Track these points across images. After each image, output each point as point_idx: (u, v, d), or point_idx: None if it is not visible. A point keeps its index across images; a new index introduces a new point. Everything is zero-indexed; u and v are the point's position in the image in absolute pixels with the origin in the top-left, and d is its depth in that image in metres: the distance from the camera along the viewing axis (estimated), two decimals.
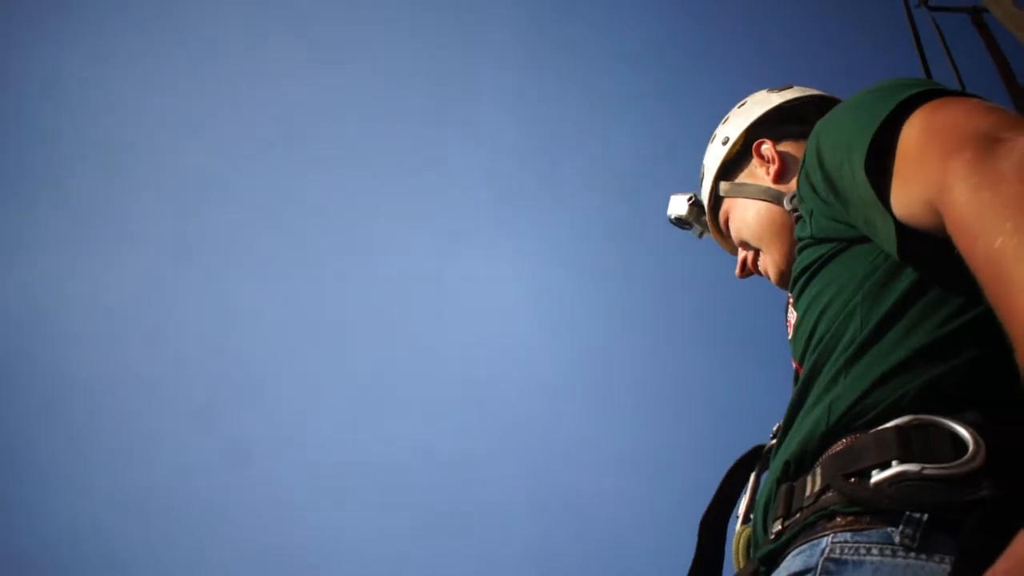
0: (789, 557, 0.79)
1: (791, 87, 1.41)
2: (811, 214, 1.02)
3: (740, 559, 1.02)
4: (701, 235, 1.60)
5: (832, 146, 0.94)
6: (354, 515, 4.72)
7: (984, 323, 0.81)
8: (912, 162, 0.81)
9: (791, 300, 1.08)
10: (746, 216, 1.32)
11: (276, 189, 4.91)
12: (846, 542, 0.74)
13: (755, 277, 1.41)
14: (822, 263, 0.99)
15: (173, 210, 4.85)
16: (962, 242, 0.71)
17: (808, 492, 0.82)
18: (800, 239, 1.05)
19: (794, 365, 1.07)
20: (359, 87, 4.84)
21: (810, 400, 0.91)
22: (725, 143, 1.39)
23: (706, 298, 4.59)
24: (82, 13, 4.59)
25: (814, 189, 0.99)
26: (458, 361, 4.93)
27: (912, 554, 0.70)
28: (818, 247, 1.00)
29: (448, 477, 4.73)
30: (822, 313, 0.95)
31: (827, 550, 0.74)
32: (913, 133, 0.82)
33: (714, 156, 1.41)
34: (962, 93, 0.86)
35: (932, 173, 0.77)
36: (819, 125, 1.01)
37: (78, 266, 4.80)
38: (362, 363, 4.99)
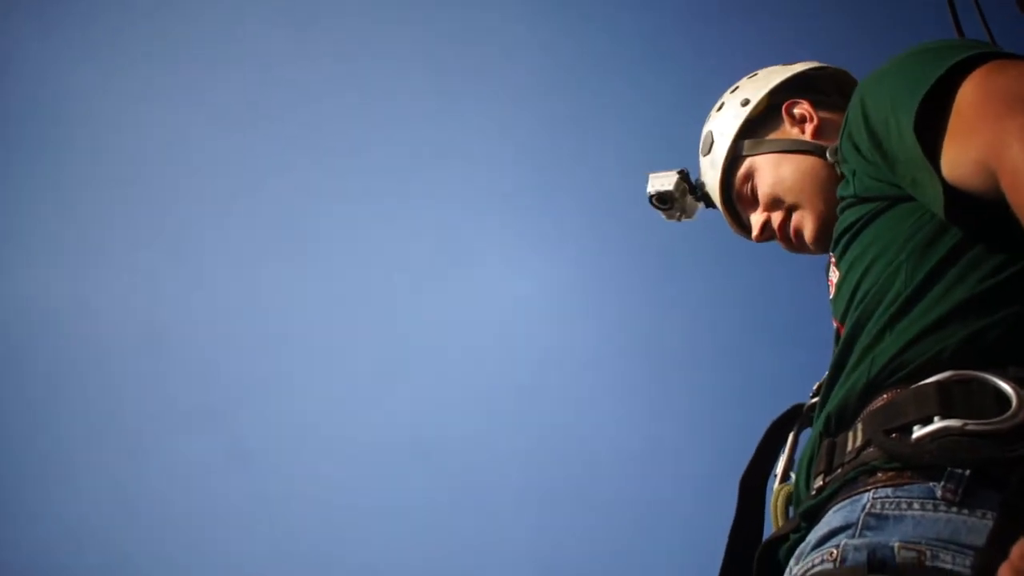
0: (830, 513, 0.78)
1: (806, 62, 1.39)
2: (854, 173, 1.01)
3: (779, 517, 1.01)
4: (679, 218, 1.52)
5: (878, 105, 0.93)
6: (355, 515, 4.68)
7: None
8: (968, 122, 0.80)
9: (833, 260, 1.07)
10: (782, 171, 1.25)
11: (277, 189, 4.90)
12: (887, 497, 0.73)
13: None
14: (865, 222, 0.98)
15: (173, 210, 4.84)
16: (1018, 197, 0.70)
17: (849, 448, 0.82)
18: (843, 198, 1.04)
19: (835, 324, 1.06)
20: (360, 86, 4.83)
21: (853, 356, 0.91)
22: (745, 104, 1.33)
23: (719, 292, 4.58)
24: (81, 13, 4.58)
25: (857, 149, 0.98)
26: (463, 360, 4.91)
27: (954, 509, 0.69)
28: (861, 206, 0.99)
29: (450, 477, 4.69)
30: (866, 271, 0.94)
31: (868, 505, 0.74)
32: (969, 94, 0.81)
33: (730, 117, 1.34)
34: (1017, 56, 0.85)
35: (988, 133, 0.76)
36: (863, 85, 1.00)
37: (77, 266, 4.78)
38: (363, 363, 4.96)
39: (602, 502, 4.57)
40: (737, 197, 1.35)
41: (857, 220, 0.99)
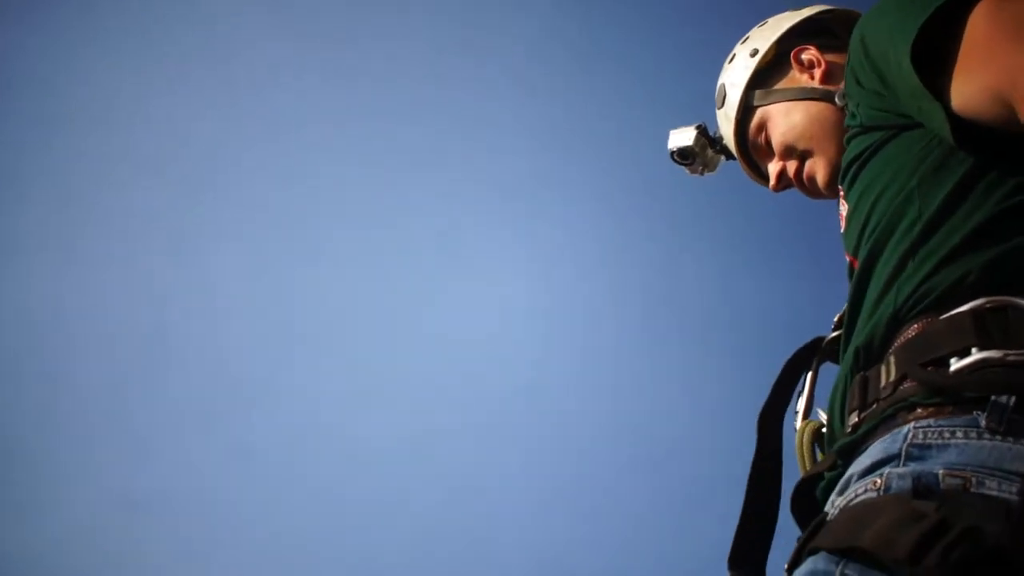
0: (870, 447, 0.78)
1: (815, 5, 1.38)
2: (858, 106, 1.00)
3: (805, 455, 1.01)
4: (702, 172, 1.53)
5: (877, 37, 0.92)
6: (354, 515, 4.67)
7: None
8: (978, 52, 0.79)
9: (841, 193, 1.06)
10: (793, 118, 1.26)
11: (276, 188, 4.90)
12: (929, 427, 0.72)
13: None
14: (873, 151, 0.97)
15: (173, 210, 4.82)
16: None
17: (884, 383, 0.81)
18: (849, 127, 1.03)
19: (848, 258, 1.05)
20: (360, 84, 4.84)
21: (873, 287, 0.90)
22: (754, 55, 1.33)
23: (715, 295, 4.59)
24: (82, 13, 4.59)
25: (860, 83, 0.97)
26: (461, 360, 4.90)
27: (999, 437, 0.68)
28: (868, 135, 0.98)
29: (450, 477, 4.68)
30: (877, 200, 0.93)
31: (910, 436, 0.73)
32: (978, 23, 0.80)
33: (741, 68, 1.34)
34: None
35: (1001, 62, 0.75)
36: (862, 20, 0.99)
37: (76, 265, 4.76)
38: (363, 363, 4.95)
39: (602, 501, 4.57)
40: (753, 147, 1.36)
41: (864, 150, 0.98)
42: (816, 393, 1.12)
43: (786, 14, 1.38)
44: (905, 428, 0.74)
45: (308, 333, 4.94)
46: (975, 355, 0.73)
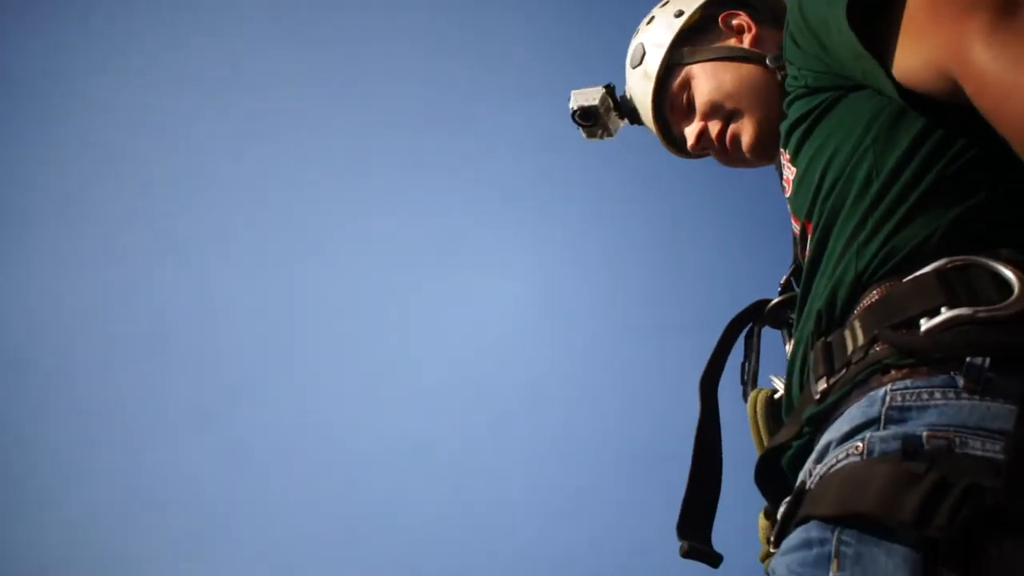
0: (846, 413, 0.76)
1: None
2: (800, 69, 0.99)
3: (760, 423, 1.00)
4: (600, 135, 1.48)
5: (815, 5, 0.91)
6: (354, 515, 4.66)
7: (998, 158, 0.79)
8: (919, 24, 0.78)
9: (786, 158, 1.04)
10: (721, 77, 1.22)
11: (276, 188, 4.91)
12: (907, 389, 0.72)
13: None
14: (821, 112, 0.95)
15: (173, 210, 4.84)
16: (987, 102, 0.69)
17: (852, 347, 0.79)
18: (791, 89, 1.02)
19: (794, 223, 1.04)
20: (359, 84, 4.85)
21: (830, 249, 0.89)
22: (679, 15, 1.30)
23: (714, 293, 4.56)
24: (84, 14, 4.63)
25: (800, 47, 0.96)
26: (460, 360, 4.89)
27: (976, 396, 0.68)
28: (814, 96, 0.97)
29: (450, 477, 4.67)
30: (830, 160, 0.91)
31: (887, 399, 0.72)
32: None
33: (663, 28, 1.30)
34: None
35: (944, 36, 0.74)
36: None
37: (76, 266, 4.79)
38: (363, 363, 4.95)
39: (601, 501, 4.54)
40: (671, 108, 1.31)
41: (811, 111, 0.96)
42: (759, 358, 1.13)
43: None
44: (881, 391, 0.73)
45: (308, 334, 4.94)
46: (945, 314, 0.73)
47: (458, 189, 5.04)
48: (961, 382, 0.69)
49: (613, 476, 4.64)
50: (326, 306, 4.98)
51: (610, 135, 1.50)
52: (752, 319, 1.13)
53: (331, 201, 5.03)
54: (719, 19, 1.27)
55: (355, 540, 4.60)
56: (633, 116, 1.43)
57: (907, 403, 0.71)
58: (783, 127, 1.04)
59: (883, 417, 0.71)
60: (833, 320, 0.85)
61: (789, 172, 1.03)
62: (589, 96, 1.43)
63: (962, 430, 0.67)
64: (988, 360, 0.69)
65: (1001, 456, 0.64)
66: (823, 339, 0.84)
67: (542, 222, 5.00)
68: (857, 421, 0.73)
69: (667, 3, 1.35)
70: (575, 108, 1.44)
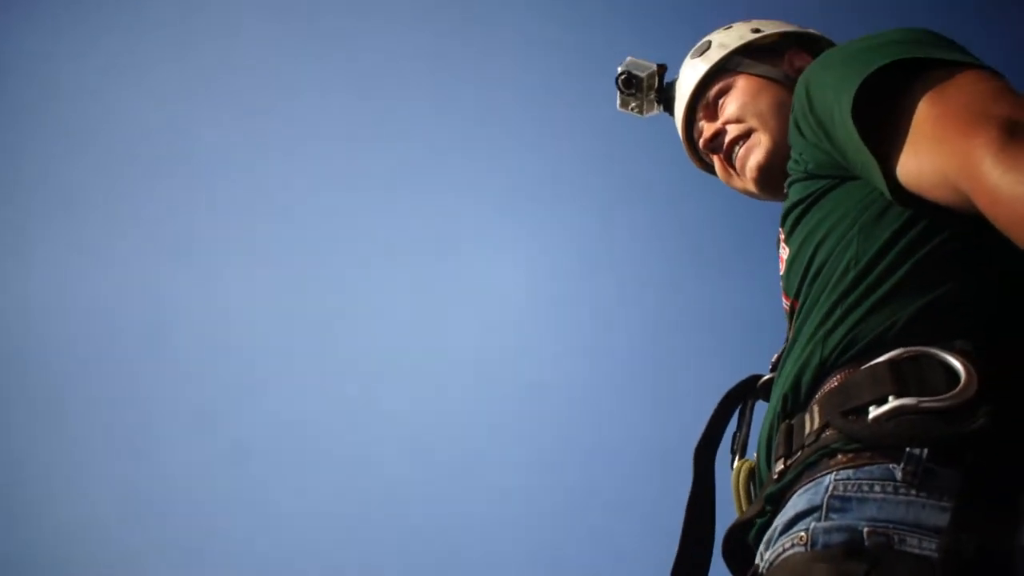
0: (795, 496, 0.79)
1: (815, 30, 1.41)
2: (801, 154, 1.02)
3: (741, 493, 1.02)
4: (632, 109, 1.51)
5: (821, 90, 0.94)
6: (355, 515, 4.68)
7: (972, 253, 0.83)
8: (926, 135, 0.81)
9: (782, 237, 1.08)
10: (756, 93, 1.27)
11: (277, 190, 4.91)
12: (849, 479, 0.74)
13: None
14: (816, 198, 0.99)
15: (172, 209, 4.85)
16: (1000, 213, 0.71)
17: (808, 430, 0.82)
18: (791, 173, 1.05)
19: (785, 301, 1.07)
20: (358, 83, 4.84)
21: (805, 333, 0.91)
22: (755, 31, 1.34)
23: (717, 295, 4.56)
24: (82, 11, 4.61)
25: (802, 133, 0.99)
26: (460, 361, 4.90)
27: (914, 491, 0.70)
28: (811, 182, 1.00)
29: (450, 477, 4.69)
30: (819, 246, 0.95)
31: (831, 487, 0.75)
32: (925, 106, 0.82)
33: (736, 35, 1.35)
34: (961, 62, 0.86)
35: (952, 148, 0.77)
36: (808, 71, 1.01)
37: (76, 266, 4.80)
38: (363, 363, 4.96)
39: (600, 500, 4.56)
40: (703, 105, 1.35)
41: (807, 196, 1.00)
42: (752, 433, 1.13)
43: (795, 24, 1.40)
44: (827, 479, 0.76)
45: (308, 334, 4.96)
46: (891, 403, 0.75)
47: (459, 187, 5.04)
48: (899, 474, 0.71)
49: (613, 476, 4.67)
50: (326, 306, 4.99)
51: (640, 113, 1.52)
52: (746, 392, 1.16)
53: (331, 200, 5.03)
54: (786, 52, 1.31)
55: (355, 540, 4.64)
56: (668, 104, 1.46)
57: (848, 493, 0.73)
58: (783, 207, 1.07)
59: (825, 506, 0.74)
60: (797, 403, 0.88)
61: (783, 251, 1.07)
62: (641, 67, 1.47)
63: (900, 527, 0.69)
64: (926, 451, 0.71)
65: (935, 555, 0.66)
66: (787, 421, 0.87)
67: (543, 222, 5.00)
68: (801, 508, 0.76)
69: (751, 21, 1.39)
70: (623, 71, 1.47)
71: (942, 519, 0.68)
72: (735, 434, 1.15)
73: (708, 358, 4.58)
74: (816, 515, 0.74)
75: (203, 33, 4.69)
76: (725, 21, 1.42)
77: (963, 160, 0.75)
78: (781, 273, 1.08)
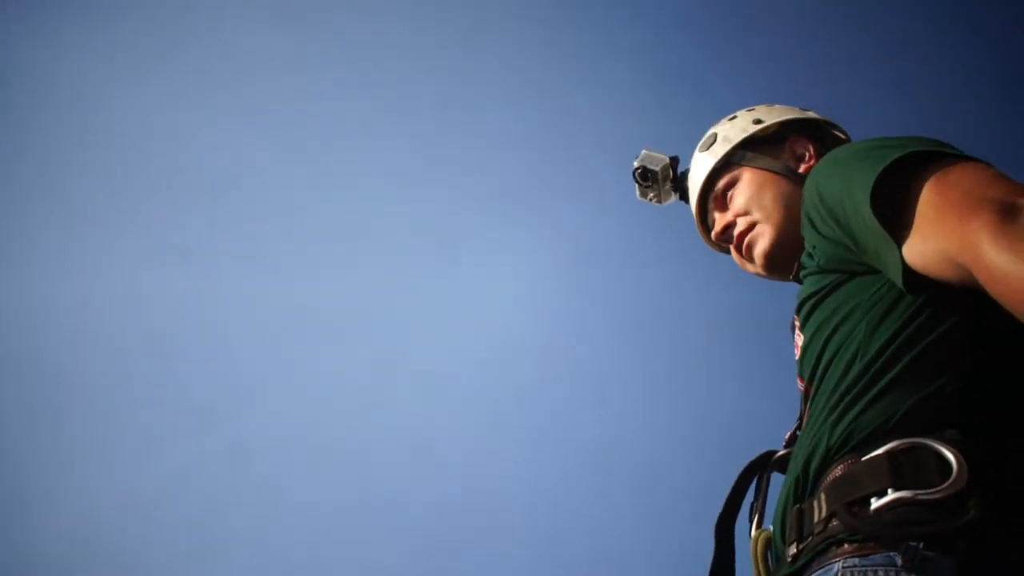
0: None
1: (817, 113, 1.48)
2: (815, 248, 1.09)
3: (759, 564, 1.08)
4: (651, 199, 1.59)
5: (832, 188, 1.01)
6: (354, 515, 4.71)
7: (967, 342, 0.91)
8: (930, 220, 0.88)
9: (797, 324, 1.14)
10: (762, 186, 1.35)
11: (277, 190, 4.90)
12: (855, 567, 0.81)
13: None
14: (828, 291, 1.06)
15: (172, 210, 4.83)
16: (1000, 289, 0.78)
17: (816, 518, 0.90)
18: (805, 266, 1.13)
19: (800, 383, 1.14)
20: (357, 84, 4.82)
21: (815, 420, 0.98)
22: (757, 123, 1.42)
23: (720, 302, 4.58)
24: (83, 12, 4.57)
25: (815, 227, 1.07)
26: (461, 361, 4.92)
27: (914, 575, 0.77)
28: (823, 276, 1.07)
29: (450, 478, 4.72)
30: (829, 338, 1.02)
31: (839, 575, 0.82)
32: (928, 194, 0.90)
33: (739, 128, 1.43)
34: (962, 156, 0.95)
35: (954, 232, 0.84)
36: (816, 171, 1.09)
37: (76, 267, 4.79)
38: (363, 364, 4.97)
39: (598, 499, 4.59)
40: (713, 197, 1.43)
41: (820, 289, 1.07)
42: (767, 506, 1.19)
43: (795, 108, 1.48)
44: (835, 567, 0.83)
45: (308, 335, 4.96)
46: (890, 495, 0.82)
47: (458, 188, 5.04)
48: (899, 561, 0.78)
49: (613, 476, 4.70)
50: (326, 306, 4.99)
51: (659, 202, 1.60)
52: (762, 466, 1.22)
53: (331, 200, 5.02)
54: (787, 140, 1.39)
55: (355, 540, 4.66)
56: (684, 194, 1.54)
57: None
58: (798, 296, 1.14)
59: None
60: (807, 488, 0.95)
61: (798, 338, 1.14)
62: (655, 160, 1.55)
63: None
64: (922, 543, 0.78)
65: None
66: (798, 505, 0.95)
67: (543, 222, 5.00)
68: None
69: (753, 109, 1.48)
70: (638, 166, 1.55)
71: None
72: (752, 504, 1.21)
73: (709, 357, 4.60)
74: None
75: (204, 33, 4.66)
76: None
77: (964, 241, 0.82)
78: (796, 358, 1.14)
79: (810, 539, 0.89)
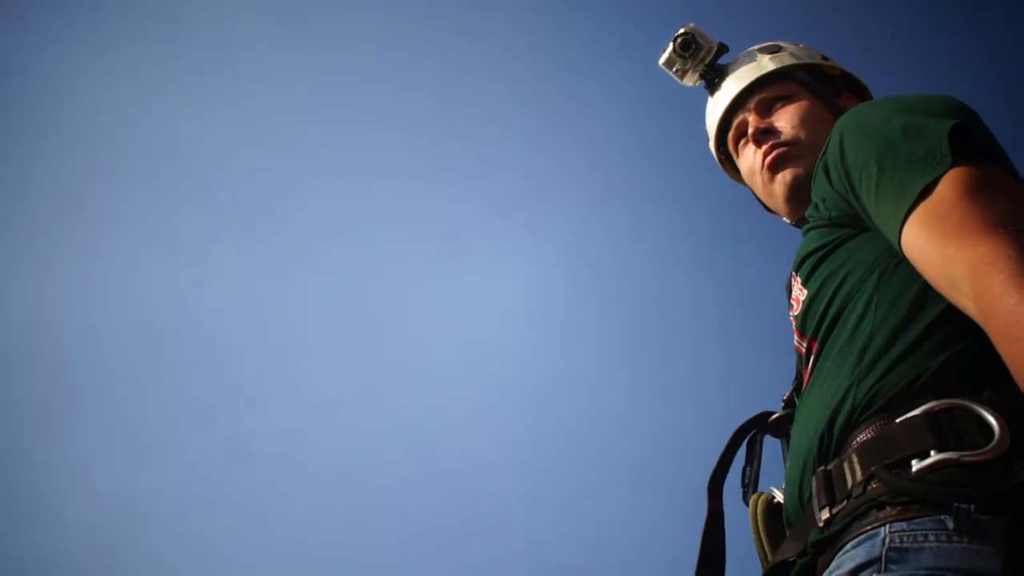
0: (849, 548, 0.83)
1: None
2: (823, 200, 1.06)
3: (762, 527, 1.06)
4: (675, 71, 1.53)
5: (857, 153, 0.97)
6: (354, 515, 4.70)
7: None
8: (944, 230, 0.84)
9: (797, 280, 1.11)
10: (820, 118, 1.30)
11: (275, 189, 4.91)
12: (904, 531, 0.78)
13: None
14: (836, 245, 1.03)
15: (173, 209, 4.84)
16: (991, 325, 0.75)
17: (851, 482, 0.86)
18: (811, 219, 1.09)
19: (799, 340, 1.11)
20: (357, 84, 4.83)
21: (830, 379, 0.95)
22: (825, 59, 1.40)
23: (718, 299, 4.58)
24: (83, 13, 4.59)
25: (829, 179, 1.03)
26: (463, 361, 4.92)
27: (966, 539, 0.75)
28: (831, 230, 1.04)
29: (451, 479, 4.71)
30: (838, 288, 0.99)
31: (887, 540, 0.79)
32: (960, 202, 0.84)
33: (806, 52, 1.40)
34: (997, 158, 0.91)
35: (964, 247, 0.80)
36: (845, 122, 1.04)
37: (76, 267, 4.79)
38: (363, 364, 4.97)
39: (599, 499, 4.58)
40: (760, 99, 1.37)
41: (828, 243, 1.04)
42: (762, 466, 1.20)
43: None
44: (881, 531, 0.80)
45: (308, 335, 4.96)
46: (934, 456, 0.79)
47: (459, 189, 5.04)
48: (951, 524, 0.75)
49: (612, 477, 4.69)
50: (326, 308, 4.99)
51: (680, 77, 1.55)
52: (756, 427, 1.20)
53: (331, 201, 5.02)
54: (844, 91, 1.37)
55: (356, 540, 4.65)
56: (712, 79, 1.49)
57: (905, 544, 0.77)
58: (799, 252, 1.10)
59: (884, 558, 0.78)
60: (831, 448, 0.91)
61: (800, 293, 1.10)
62: (705, 37, 1.49)
63: (958, 573, 0.74)
64: (972, 506, 0.75)
65: None
66: (823, 467, 0.90)
67: (543, 222, 5.01)
68: (860, 559, 0.80)
69: (819, 52, 1.44)
70: (687, 32, 1.49)
71: (995, 564, 0.73)
72: (745, 468, 1.19)
73: (710, 357, 4.60)
74: (876, 567, 0.78)
75: (204, 33, 4.66)
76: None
77: (971, 263, 0.78)
78: (795, 314, 1.11)
79: (846, 503, 0.85)
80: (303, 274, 4.96)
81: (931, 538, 0.76)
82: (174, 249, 4.80)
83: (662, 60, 1.53)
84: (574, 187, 4.90)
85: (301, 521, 4.67)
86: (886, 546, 0.78)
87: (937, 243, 0.84)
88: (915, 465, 0.80)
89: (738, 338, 4.64)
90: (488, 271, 5.05)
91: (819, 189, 1.07)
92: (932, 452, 0.79)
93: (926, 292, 0.89)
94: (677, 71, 1.53)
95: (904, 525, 0.78)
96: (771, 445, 1.21)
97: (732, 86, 1.42)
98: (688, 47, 1.48)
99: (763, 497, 1.09)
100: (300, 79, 4.80)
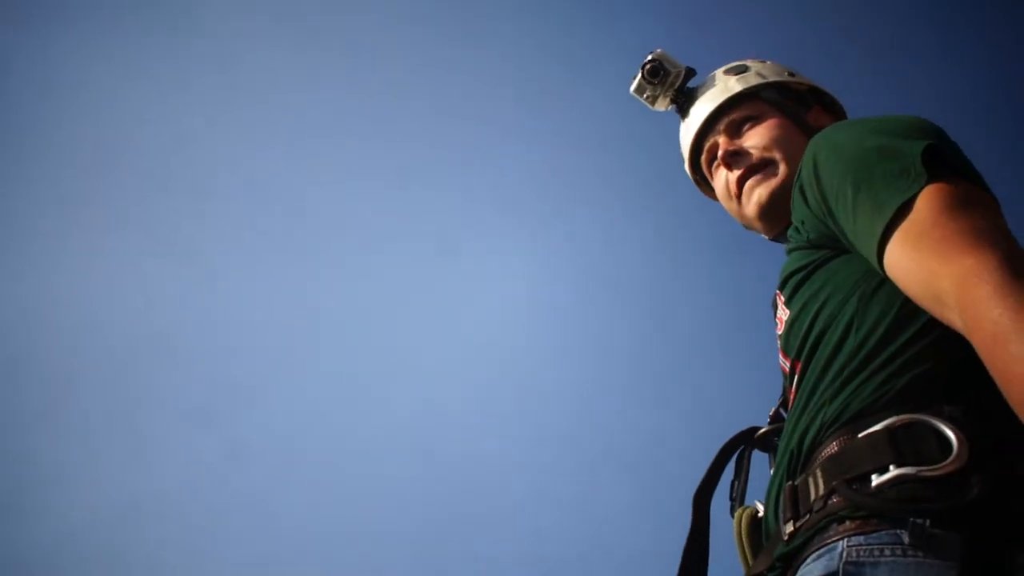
0: (809, 561, 0.84)
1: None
2: (802, 223, 1.07)
3: (745, 540, 1.07)
4: (644, 98, 1.55)
5: (831, 174, 0.98)
6: (355, 516, 4.71)
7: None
8: (931, 244, 0.83)
9: (781, 299, 1.12)
10: (789, 134, 1.31)
11: (275, 190, 4.91)
12: (861, 545, 0.79)
13: None
14: (817, 265, 1.04)
15: (173, 210, 4.85)
16: (979, 340, 0.75)
17: (814, 496, 0.87)
18: (791, 240, 1.11)
19: (783, 360, 1.12)
20: (357, 84, 4.84)
21: (806, 398, 0.97)
22: (792, 75, 1.40)
23: (718, 298, 4.58)
24: (84, 14, 4.60)
25: (806, 201, 1.04)
26: (460, 362, 4.92)
27: (921, 553, 0.75)
28: (812, 251, 1.06)
29: (449, 479, 4.71)
30: (820, 309, 1.00)
31: (844, 554, 0.80)
32: (941, 218, 0.84)
33: (773, 70, 1.41)
34: (969, 170, 0.91)
35: (948, 263, 0.80)
36: (818, 142, 1.05)
37: (76, 267, 4.80)
38: (363, 365, 4.98)
39: (598, 500, 4.58)
40: (728, 121, 1.38)
41: (808, 264, 1.05)
42: (749, 481, 1.21)
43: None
44: (839, 545, 0.81)
45: (308, 335, 4.97)
46: (892, 472, 0.80)
47: (458, 189, 5.04)
48: (906, 538, 0.76)
49: (611, 477, 4.69)
50: (326, 306, 5.00)
51: (651, 104, 1.56)
52: (743, 442, 1.22)
53: (331, 201, 5.03)
54: (813, 107, 1.38)
55: (356, 540, 4.66)
56: (683, 105, 1.50)
57: (862, 559, 0.78)
58: (782, 271, 1.12)
59: (841, 572, 0.79)
60: (800, 464, 0.93)
61: (783, 313, 1.11)
62: (672, 63, 1.51)
63: None
64: (928, 520, 0.76)
65: None
66: (791, 482, 0.92)
67: (544, 223, 5.01)
68: (818, 573, 0.81)
69: (785, 67, 1.45)
70: (654, 59, 1.50)
71: None
72: (733, 482, 1.21)
73: (708, 357, 4.60)
74: None
75: (203, 31, 4.67)
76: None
77: (957, 277, 0.78)
78: (779, 332, 1.12)
79: (808, 517, 0.87)
80: (303, 274, 4.97)
81: (887, 552, 0.77)
82: (174, 249, 4.81)
83: (632, 88, 1.55)
84: (571, 188, 4.90)
85: (301, 521, 4.68)
86: (843, 560, 0.79)
87: (920, 258, 0.84)
88: (875, 480, 0.81)
89: (737, 337, 4.63)
90: (485, 272, 5.06)
91: (798, 211, 1.08)
92: (891, 467, 0.80)
93: (905, 312, 0.90)
94: (648, 97, 1.54)
95: (862, 539, 0.79)
96: (760, 460, 1.22)
97: (701, 109, 1.43)
98: (656, 73, 1.50)
99: (747, 511, 1.10)
100: (299, 79, 4.81)
